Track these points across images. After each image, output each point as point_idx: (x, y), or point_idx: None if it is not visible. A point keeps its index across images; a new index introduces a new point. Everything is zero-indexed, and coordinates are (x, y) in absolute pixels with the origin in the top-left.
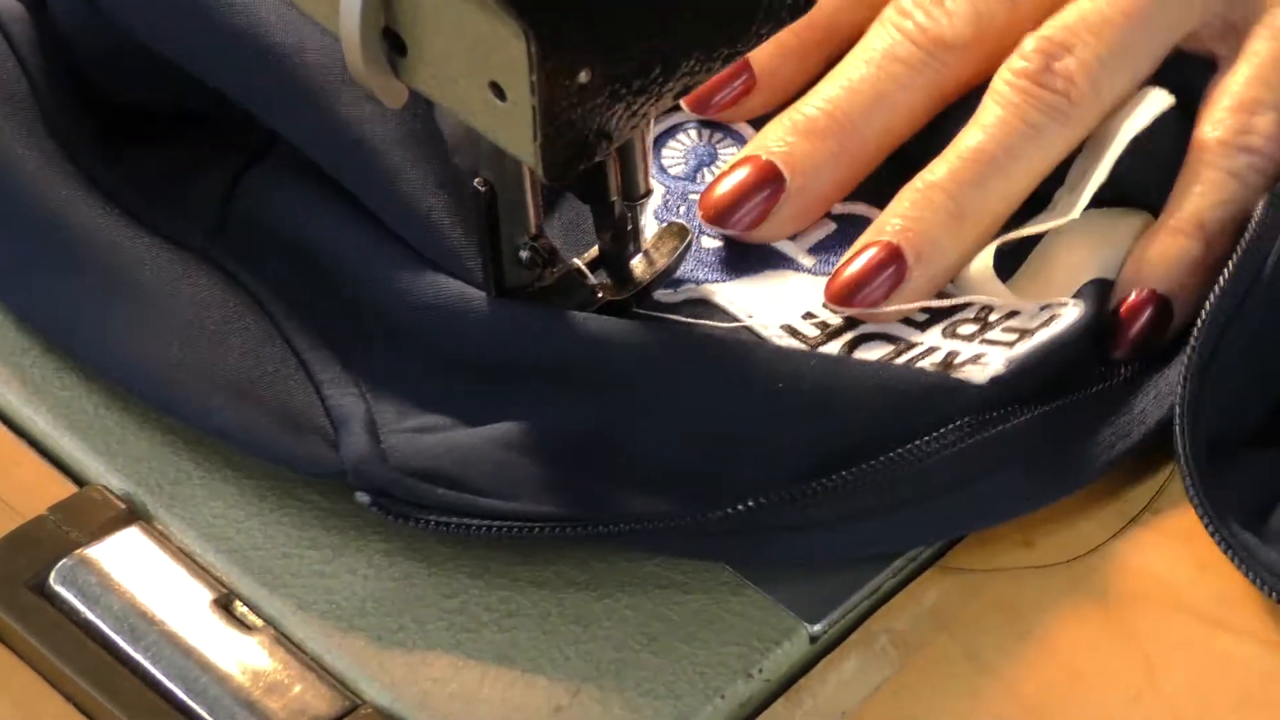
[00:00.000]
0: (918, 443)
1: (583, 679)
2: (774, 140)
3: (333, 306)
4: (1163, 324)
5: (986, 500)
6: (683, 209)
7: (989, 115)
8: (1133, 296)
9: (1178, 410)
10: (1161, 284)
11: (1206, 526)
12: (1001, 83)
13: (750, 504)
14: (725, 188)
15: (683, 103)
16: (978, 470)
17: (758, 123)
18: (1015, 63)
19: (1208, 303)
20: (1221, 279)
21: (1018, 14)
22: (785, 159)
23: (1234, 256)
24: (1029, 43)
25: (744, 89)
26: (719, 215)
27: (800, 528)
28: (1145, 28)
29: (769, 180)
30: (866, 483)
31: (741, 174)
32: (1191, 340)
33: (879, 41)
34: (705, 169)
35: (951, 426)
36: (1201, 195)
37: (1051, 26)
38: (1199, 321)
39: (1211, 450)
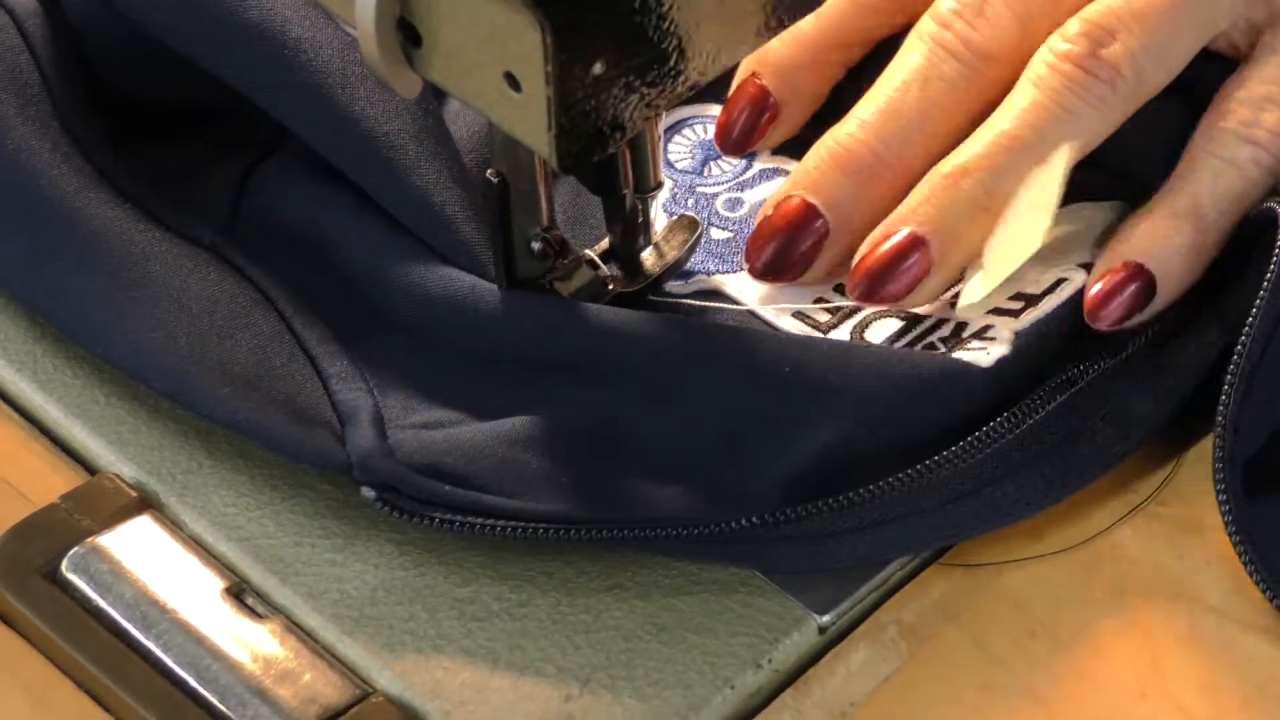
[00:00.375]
0: (929, 461)
1: (593, 668)
2: (812, 178)
3: (342, 301)
4: (1143, 301)
5: (996, 505)
6: (690, 202)
7: (1024, 98)
8: (1117, 268)
9: (1215, 455)
10: (1147, 260)
11: (1250, 572)
12: (1042, 64)
13: (755, 520)
14: (772, 244)
15: (716, 144)
16: (989, 478)
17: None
18: (1058, 44)
19: (1243, 335)
20: (1259, 298)
21: (1060, 10)
22: (827, 202)
23: (1268, 277)
24: (1073, 24)
25: (769, 119)
26: (769, 271)
27: (808, 537)
28: (1184, 20)
29: (810, 222)
30: (877, 498)
31: (784, 223)
32: (1225, 384)
33: (917, 57)
34: (712, 163)
35: (965, 443)
36: (1199, 181)
37: (1094, 10)
38: (1233, 359)
39: (1245, 481)
